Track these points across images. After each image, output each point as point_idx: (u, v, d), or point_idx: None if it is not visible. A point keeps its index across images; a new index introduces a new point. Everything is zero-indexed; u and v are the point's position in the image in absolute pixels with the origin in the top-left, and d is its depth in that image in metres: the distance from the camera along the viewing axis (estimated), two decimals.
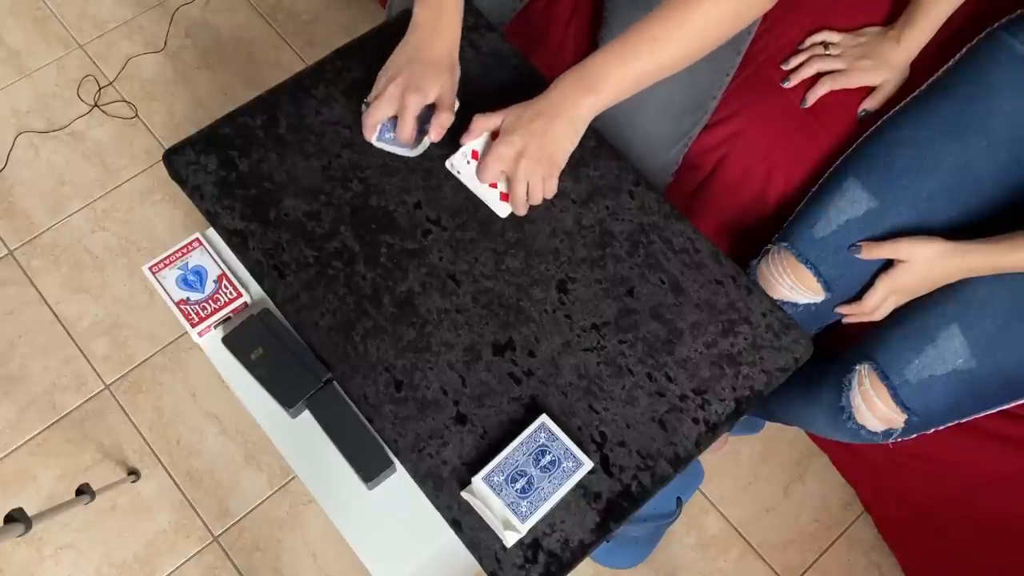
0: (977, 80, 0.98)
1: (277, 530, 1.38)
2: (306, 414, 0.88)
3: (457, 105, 0.93)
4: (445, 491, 0.79)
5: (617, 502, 0.79)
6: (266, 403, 0.88)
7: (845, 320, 1.05)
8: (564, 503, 0.78)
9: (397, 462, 0.85)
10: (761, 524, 1.43)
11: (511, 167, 0.85)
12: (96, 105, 1.72)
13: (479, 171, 0.87)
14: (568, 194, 0.93)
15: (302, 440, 0.90)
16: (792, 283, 1.03)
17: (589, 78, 0.84)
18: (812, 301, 1.04)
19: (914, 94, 1.03)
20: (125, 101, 1.73)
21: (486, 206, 0.91)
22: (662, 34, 0.83)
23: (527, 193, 0.87)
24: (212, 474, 1.41)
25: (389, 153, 0.93)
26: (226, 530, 1.38)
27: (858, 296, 1.01)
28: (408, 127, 0.89)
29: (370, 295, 0.87)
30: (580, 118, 0.85)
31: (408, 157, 0.93)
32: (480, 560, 0.77)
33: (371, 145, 0.94)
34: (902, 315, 0.99)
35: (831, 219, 1.00)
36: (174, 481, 1.41)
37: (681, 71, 0.87)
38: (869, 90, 1.09)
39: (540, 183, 0.86)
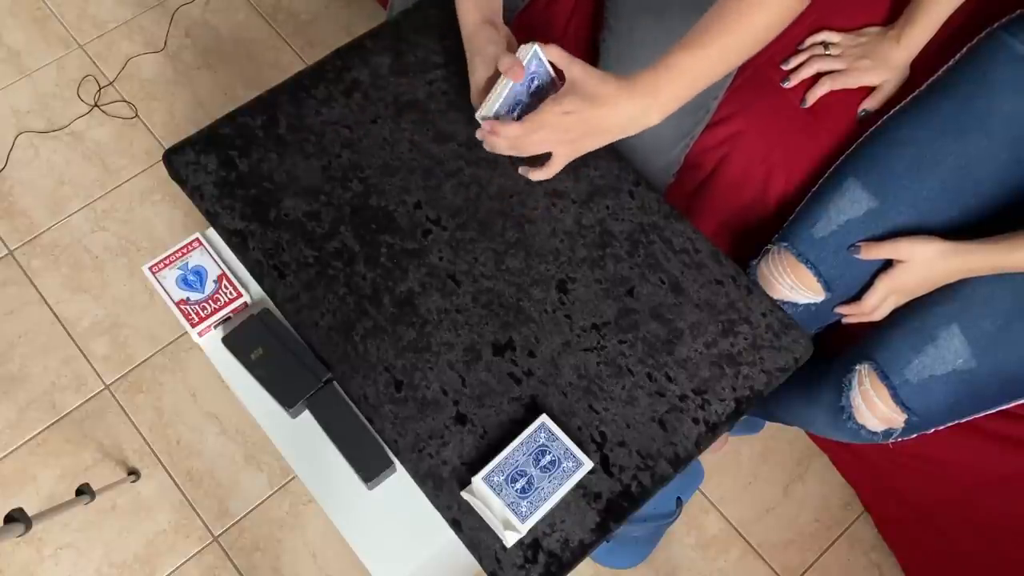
0: (977, 80, 0.98)
1: (277, 530, 1.38)
2: (306, 414, 0.88)
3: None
4: (445, 491, 0.79)
5: (617, 502, 0.79)
6: (266, 403, 0.88)
7: (845, 320, 1.05)
8: (564, 503, 0.78)
9: (397, 462, 0.85)
10: (761, 524, 1.43)
11: (553, 148, 0.87)
12: (96, 105, 1.72)
13: (523, 144, 0.86)
14: (568, 194, 0.93)
15: (302, 440, 0.90)
16: (792, 283, 1.03)
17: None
18: (812, 301, 1.04)
19: (914, 94, 1.03)
20: (125, 101, 1.73)
21: (485, 206, 0.91)
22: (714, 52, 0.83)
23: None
24: (212, 474, 1.41)
25: (389, 153, 0.93)
26: (226, 530, 1.38)
27: (858, 296, 1.01)
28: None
29: (370, 295, 0.87)
30: None
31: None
32: (480, 560, 0.77)
33: (371, 145, 0.94)
34: (902, 315, 0.99)
35: (831, 219, 1.00)
36: (174, 481, 1.41)
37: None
38: (869, 90, 1.09)
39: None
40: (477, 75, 0.89)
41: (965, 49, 1.02)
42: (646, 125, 0.83)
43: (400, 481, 0.87)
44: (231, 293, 0.92)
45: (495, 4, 0.93)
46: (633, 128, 0.83)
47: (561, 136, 0.84)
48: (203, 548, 1.37)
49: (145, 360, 1.49)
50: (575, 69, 0.82)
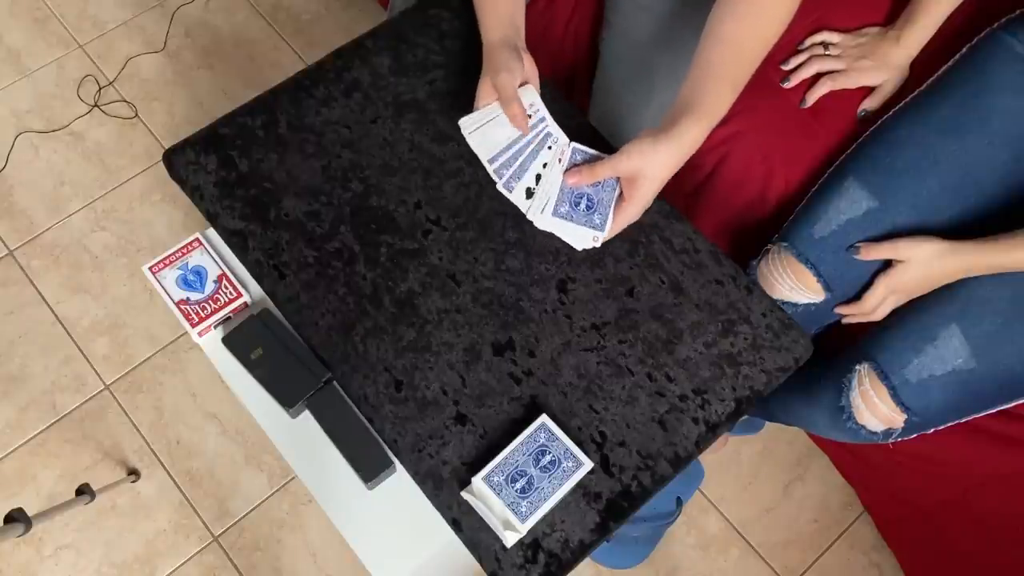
0: (977, 80, 0.98)
1: (277, 530, 1.38)
2: (306, 414, 0.88)
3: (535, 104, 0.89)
4: (445, 491, 0.79)
5: (617, 502, 0.79)
6: (266, 403, 0.88)
7: (845, 320, 1.05)
8: (564, 503, 0.78)
9: (397, 462, 0.85)
10: (761, 524, 1.43)
11: None
12: (96, 105, 1.72)
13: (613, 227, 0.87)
14: None
15: (302, 440, 0.90)
16: (792, 283, 1.03)
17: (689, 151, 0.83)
18: (812, 301, 1.04)
19: (914, 94, 1.04)
20: (125, 101, 1.73)
21: (485, 206, 0.91)
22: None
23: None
24: (212, 474, 1.41)
25: (389, 153, 0.93)
26: (226, 530, 1.38)
27: (858, 296, 1.01)
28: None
29: (370, 295, 0.87)
30: None
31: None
32: (480, 560, 0.77)
33: (371, 145, 0.94)
34: (902, 315, 0.99)
35: (831, 219, 1.00)
36: (174, 481, 1.41)
37: (681, 72, 0.87)
38: (869, 90, 1.09)
39: None
40: (481, 92, 0.88)
41: (965, 49, 1.02)
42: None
43: (400, 481, 0.87)
44: (231, 293, 0.92)
45: (517, 22, 0.91)
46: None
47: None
48: (203, 548, 1.37)
49: (145, 360, 1.49)
50: (621, 166, 0.82)
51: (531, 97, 0.88)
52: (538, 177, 0.88)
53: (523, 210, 0.88)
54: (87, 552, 1.35)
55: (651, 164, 0.81)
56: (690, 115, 0.80)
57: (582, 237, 0.86)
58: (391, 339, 0.85)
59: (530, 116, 0.87)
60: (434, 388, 0.83)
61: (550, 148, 0.88)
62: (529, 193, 0.88)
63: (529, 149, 0.88)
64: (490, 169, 0.88)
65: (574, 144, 0.88)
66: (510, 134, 0.88)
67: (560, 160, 0.87)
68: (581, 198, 0.86)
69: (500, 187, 0.88)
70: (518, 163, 0.88)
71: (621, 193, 0.85)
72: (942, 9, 1.03)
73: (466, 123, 0.89)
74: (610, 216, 0.86)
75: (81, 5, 1.84)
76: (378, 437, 0.84)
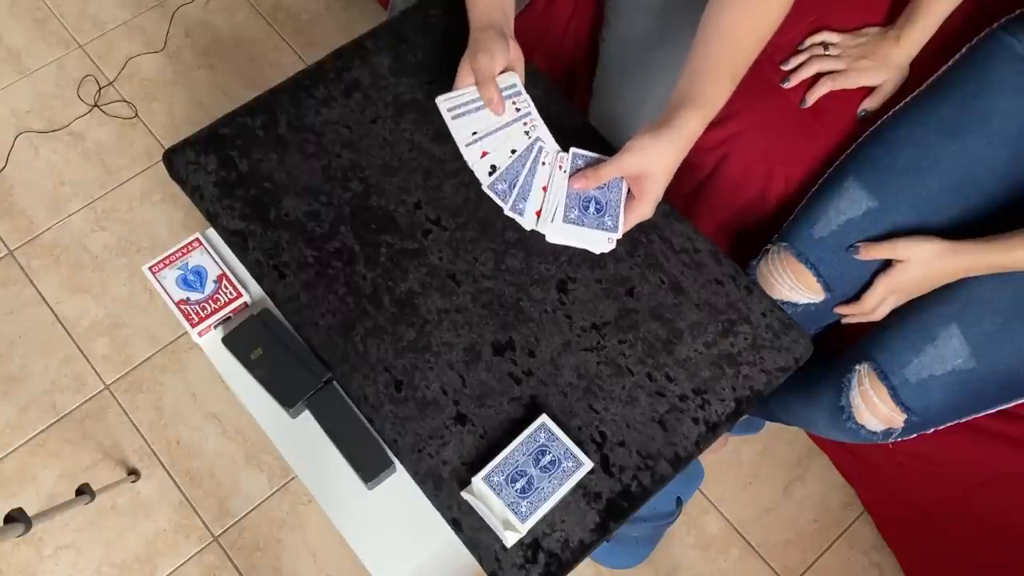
0: (977, 79, 0.98)
1: (277, 530, 1.38)
2: (306, 414, 0.88)
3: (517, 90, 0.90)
4: (445, 491, 0.79)
5: (617, 502, 0.79)
6: (266, 403, 0.88)
7: (845, 320, 1.05)
8: (564, 503, 0.78)
9: (397, 462, 0.85)
10: (761, 524, 1.43)
11: None
12: (96, 105, 1.72)
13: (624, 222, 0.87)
14: None
15: (302, 440, 0.90)
16: (792, 283, 1.03)
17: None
18: (812, 301, 1.04)
19: (914, 94, 1.04)
20: (125, 101, 1.73)
21: (485, 206, 0.91)
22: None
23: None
24: (212, 474, 1.41)
25: (389, 153, 0.93)
26: (226, 530, 1.38)
27: (858, 296, 1.01)
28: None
29: (370, 295, 0.87)
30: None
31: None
32: (480, 560, 0.77)
33: (371, 145, 0.94)
34: (902, 315, 0.99)
35: (831, 219, 1.00)
36: (174, 481, 1.41)
37: (681, 70, 0.87)
38: (869, 90, 1.09)
39: None
40: (460, 73, 0.89)
41: (965, 49, 1.02)
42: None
43: (400, 481, 0.87)
44: (231, 293, 0.92)
45: (507, 9, 0.91)
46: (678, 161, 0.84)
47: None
48: (203, 548, 1.37)
49: (145, 360, 1.49)
50: (624, 165, 0.82)
51: (511, 80, 0.88)
52: (541, 189, 0.88)
53: (533, 225, 0.87)
54: (87, 552, 1.35)
55: (654, 159, 0.81)
56: (689, 106, 0.80)
57: (597, 241, 0.86)
58: (391, 339, 0.85)
59: (519, 111, 0.87)
60: (434, 388, 0.83)
61: (544, 164, 0.88)
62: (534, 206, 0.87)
63: (516, 149, 0.88)
64: (465, 153, 0.88)
65: (574, 149, 0.87)
66: (486, 117, 0.88)
67: (561, 167, 0.86)
68: (589, 202, 0.86)
69: (492, 195, 0.88)
70: (514, 178, 0.88)
71: (628, 191, 0.85)
72: (942, 9, 1.03)
73: (443, 101, 0.89)
74: (621, 215, 0.85)
75: (81, 5, 1.84)
76: (378, 437, 0.84)
